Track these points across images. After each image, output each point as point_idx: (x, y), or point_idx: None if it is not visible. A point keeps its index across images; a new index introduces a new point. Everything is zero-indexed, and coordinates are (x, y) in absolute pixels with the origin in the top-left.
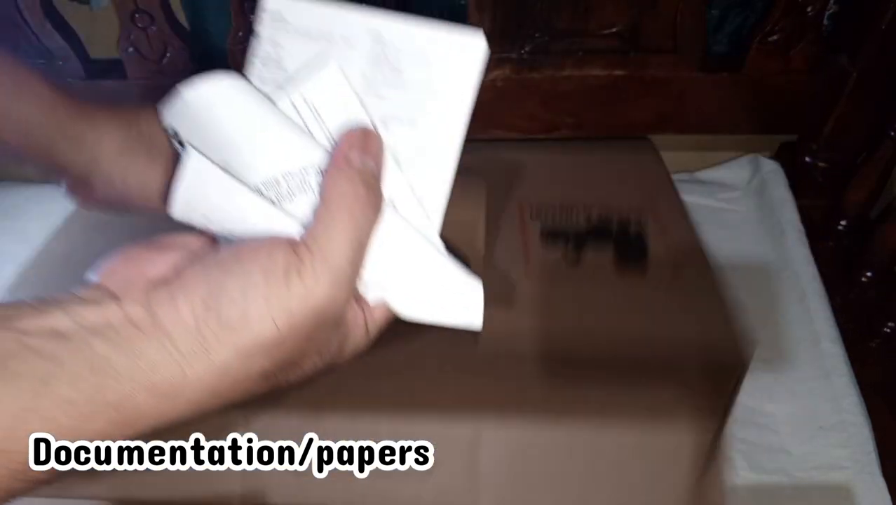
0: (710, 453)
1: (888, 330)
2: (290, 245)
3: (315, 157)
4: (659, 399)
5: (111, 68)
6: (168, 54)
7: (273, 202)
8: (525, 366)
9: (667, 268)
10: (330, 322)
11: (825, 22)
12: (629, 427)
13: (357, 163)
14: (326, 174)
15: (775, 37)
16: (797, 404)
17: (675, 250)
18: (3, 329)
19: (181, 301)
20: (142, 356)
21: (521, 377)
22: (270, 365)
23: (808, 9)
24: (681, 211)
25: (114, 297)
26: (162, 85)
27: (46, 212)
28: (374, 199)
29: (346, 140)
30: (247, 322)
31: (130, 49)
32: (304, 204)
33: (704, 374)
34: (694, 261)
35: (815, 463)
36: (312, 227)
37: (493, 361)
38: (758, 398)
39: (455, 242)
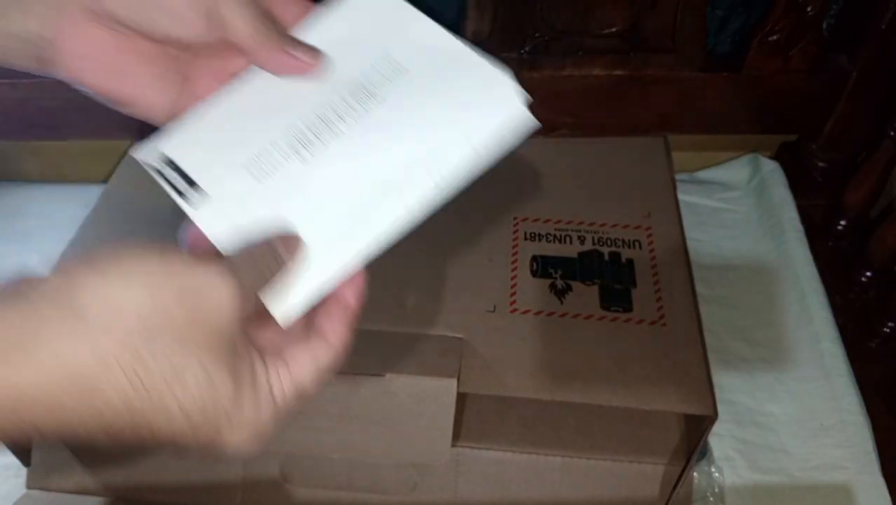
0: (677, 484)
1: (888, 330)
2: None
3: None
4: (637, 437)
5: None
6: None
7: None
8: (505, 399)
9: (650, 308)
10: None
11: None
12: (603, 458)
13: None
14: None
15: (775, 37)
16: (797, 404)
17: (661, 285)
18: None
19: None
20: None
21: (502, 409)
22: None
23: (808, 9)
24: (676, 230)
25: None
26: None
27: (46, 212)
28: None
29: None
30: None
31: None
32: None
33: (679, 421)
34: (679, 297)
35: (815, 463)
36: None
37: (474, 394)
38: (758, 398)
39: None
